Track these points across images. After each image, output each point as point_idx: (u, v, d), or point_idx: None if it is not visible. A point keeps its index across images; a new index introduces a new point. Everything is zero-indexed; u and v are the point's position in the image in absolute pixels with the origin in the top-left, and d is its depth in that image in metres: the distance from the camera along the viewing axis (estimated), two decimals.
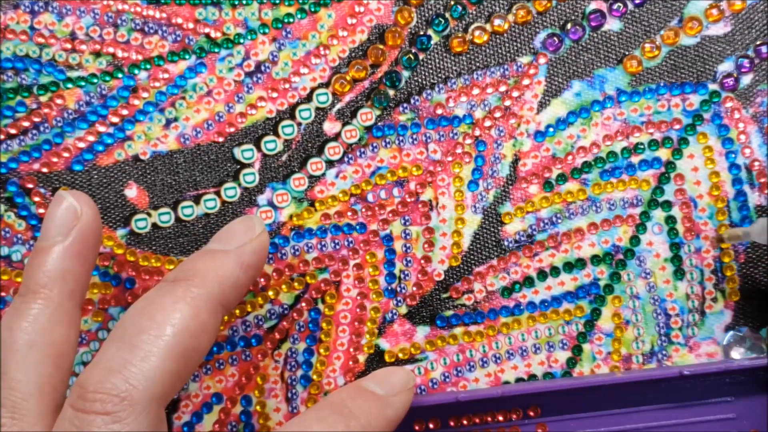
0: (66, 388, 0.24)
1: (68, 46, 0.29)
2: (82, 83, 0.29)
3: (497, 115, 0.30)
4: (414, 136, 0.30)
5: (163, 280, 0.25)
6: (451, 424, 0.29)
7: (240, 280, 0.25)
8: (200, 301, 0.24)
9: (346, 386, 0.27)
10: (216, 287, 0.24)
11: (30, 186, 0.29)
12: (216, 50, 0.30)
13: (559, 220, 0.30)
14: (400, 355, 0.30)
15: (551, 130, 0.30)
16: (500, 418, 0.29)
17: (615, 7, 0.30)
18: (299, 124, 0.30)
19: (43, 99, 0.29)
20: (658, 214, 0.30)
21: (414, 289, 0.30)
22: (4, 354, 0.24)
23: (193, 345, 0.23)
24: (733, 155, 0.30)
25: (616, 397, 0.29)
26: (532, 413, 0.29)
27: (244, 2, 0.30)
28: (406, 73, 0.30)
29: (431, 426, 0.29)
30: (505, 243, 0.30)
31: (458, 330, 0.30)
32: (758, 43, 0.30)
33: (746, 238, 0.29)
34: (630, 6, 0.30)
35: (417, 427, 0.29)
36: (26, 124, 0.29)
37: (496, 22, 0.30)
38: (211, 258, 0.25)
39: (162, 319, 0.23)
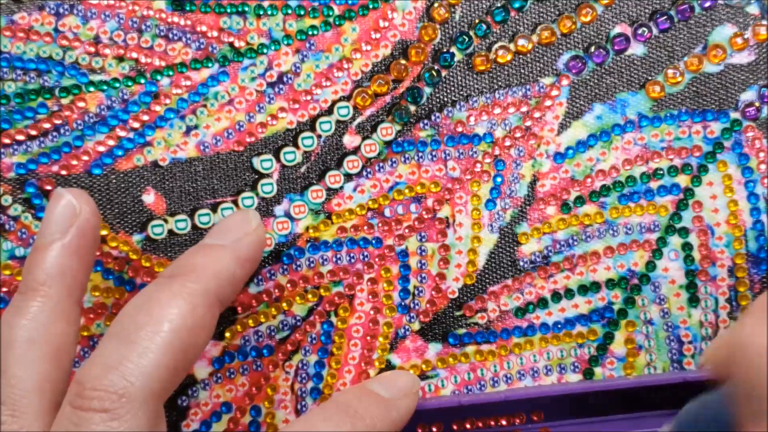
0: (66, 385, 0.24)
1: (92, 49, 0.29)
2: (104, 87, 0.29)
3: (517, 135, 0.30)
4: (433, 153, 0.30)
5: (159, 275, 0.25)
6: (454, 428, 0.29)
7: (236, 275, 0.25)
8: (197, 296, 0.24)
9: (351, 387, 0.27)
10: (212, 282, 0.25)
11: (48, 188, 0.29)
12: (239, 59, 0.30)
13: (576, 243, 0.30)
14: (411, 372, 0.30)
15: (571, 152, 0.30)
16: (503, 423, 0.29)
17: (639, 31, 0.30)
18: (319, 136, 0.30)
19: (65, 101, 0.29)
20: (675, 241, 0.30)
21: (427, 305, 0.30)
22: (3, 351, 0.24)
23: (191, 340, 0.23)
24: (752, 184, 0.30)
25: (619, 403, 0.29)
26: (535, 417, 0.29)
27: (269, 13, 0.30)
28: (427, 90, 0.30)
29: (434, 430, 0.29)
30: (521, 263, 0.30)
31: (470, 348, 0.30)
32: None
33: None
34: (654, 31, 0.30)
35: (420, 431, 0.29)
36: (47, 125, 0.29)
37: (520, 42, 0.30)
38: (208, 253, 0.25)
39: (159, 315, 0.23)
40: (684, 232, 0.30)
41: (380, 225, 0.30)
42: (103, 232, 0.29)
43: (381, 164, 0.30)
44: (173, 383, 0.23)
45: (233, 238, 0.26)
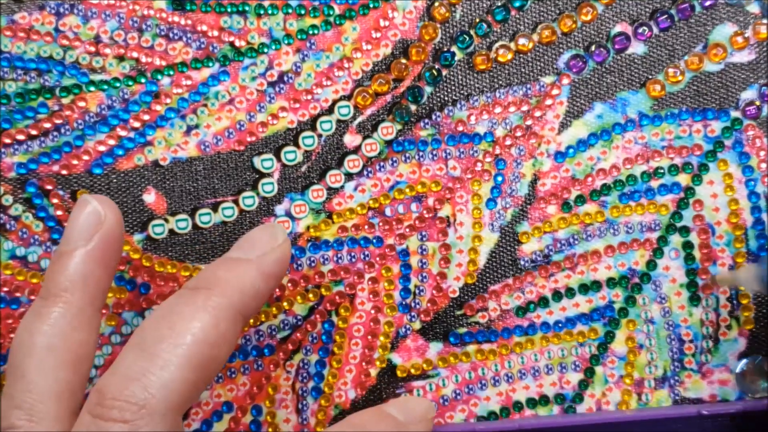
0: (83, 393, 0.24)
1: (92, 49, 0.29)
2: (105, 87, 0.29)
3: (518, 134, 0.30)
4: (434, 152, 0.30)
5: (183, 287, 0.25)
6: None
7: (260, 290, 0.25)
8: (220, 310, 0.24)
9: (367, 409, 0.27)
10: (236, 297, 0.24)
11: (49, 187, 0.29)
12: (240, 59, 0.30)
13: (576, 242, 0.30)
14: (412, 371, 0.30)
15: (572, 150, 0.30)
16: None
17: (640, 30, 0.30)
18: (320, 136, 0.30)
19: (65, 101, 0.29)
20: (676, 239, 0.30)
21: (428, 305, 0.30)
22: (23, 356, 0.24)
23: (212, 354, 0.23)
24: (753, 183, 0.30)
25: (642, 430, 0.29)
26: None
27: (270, 12, 0.30)
28: (428, 89, 0.30)
29: None
30: (521, 262, 0.30)
31: (471, 347, 0.30)
32: None
33: (735, 282, 0.29)
34: (655, 30, 0.30)
35: None
36: (47, 125, 0.29)
37: (521, 41, 0.30)
38: (233, 267, 0.25)
39: (181, 328, 0.23)
40: (685, 230, 0.30)
41: (381, 224, 0.30)
42: None
43: (382, 163, 0.30)
44: (193, 396, 0.23)
45: (259, 253, 0.25)
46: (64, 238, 0.25)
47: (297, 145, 0.30)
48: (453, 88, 0.30)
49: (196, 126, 0.30)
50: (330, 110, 0.30)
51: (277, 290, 0.30)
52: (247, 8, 0.30)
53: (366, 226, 0.30)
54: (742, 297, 0.30)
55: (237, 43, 0.30)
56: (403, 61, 0.30)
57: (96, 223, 0.25)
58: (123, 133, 0.29)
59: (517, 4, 0.30)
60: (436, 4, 0.30)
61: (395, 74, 0.30)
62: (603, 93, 0.30)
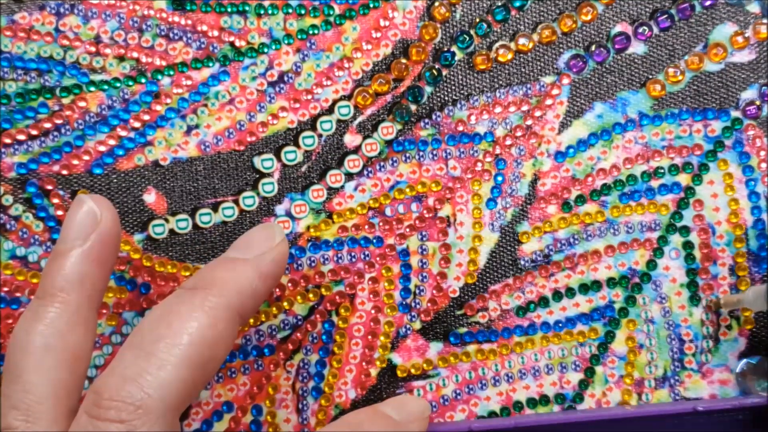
0: (80, 393, 0.24)
1: (92, 49, 0.29)
2: (105, 87, 0.29)
3: (518, 133, 0.30)
4: (434, 152, 0.30)
5: (181, 287, 0.25)
6: None
7: (258, 290, 0.25)
8: (218, 310, 0.24)
9: (363, 408, 0.27)
10: (234, 297, 0.24)
11: (49, 187, 0.29)
12: (240, 59, 0.30)
13: (577, 242, 0.30)
14: (413, 371, 0.30)
15: (572, 150, 0.30)
16: None
17: (640, 30, 0.30)
18: (320, 136, 0.30)
19: (66, 101, 0.29)
20: (676, 239, 0.30)
21: (428, 304, 0.30)
22: (20, 357, 0.24)
23: (210, 354, 0.23)
24: (753, 183, 0.30)
25: (629, 429, 0.29)
26: None
27: (270, 12, 0.30)
28: (428, 89, 0.30)
29: None
30: (522, 262, 0.30)
31: (471, 347, 0.30)
32: None
33: (740, 304, 0.29)
34: (655, 30, 0.30)
35: None
36: (48, 125, 0.29)
37: (521, 41, 0.30)
38: (230, 267, 0.25)
39: (179, 328, 0.23)
40: (685, 230, 0.30)
41: (381, 224, 0.30)
42: None
43: (382, 163, 0.30)
44: (190, 396, 0.23)
45: (257, 253, 0.25)
46: (61, 238, 0.25)
47: (297, 145, 0.30)
48: (453, 88, 0.30)
49: (197, 126, 0.30)
50: (330, 110, 0.30)
51: (278, 290, 0.30)
52: (247, 8, 0.30)
53: (366, 226, 0.30)
54: None
55: (237, 43, 0.30)
56: (403, 61, 0.30)
57: (92, 223, 0.25)
58: (123, 133, 0.29)
59: (517, 4, 0.30)
60: (436, 3, 0.30)
61: (395, 74, 0.30)
62: (603, 93, 0.30)
